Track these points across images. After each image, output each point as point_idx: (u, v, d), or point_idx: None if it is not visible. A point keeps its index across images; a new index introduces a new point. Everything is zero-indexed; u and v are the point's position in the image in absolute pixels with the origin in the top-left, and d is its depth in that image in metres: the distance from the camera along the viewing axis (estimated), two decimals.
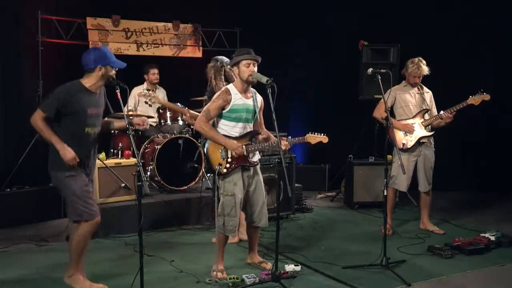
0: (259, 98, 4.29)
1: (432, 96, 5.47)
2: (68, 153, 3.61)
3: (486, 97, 5.16)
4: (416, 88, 5.42)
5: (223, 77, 5.13)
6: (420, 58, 5.33)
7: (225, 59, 5.15)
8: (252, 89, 4.24)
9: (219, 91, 4.20)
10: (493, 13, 7.17)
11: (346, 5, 7.68)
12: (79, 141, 3.70)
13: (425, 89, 5.48)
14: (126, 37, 7.15)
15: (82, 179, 3.72)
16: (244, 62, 4.08)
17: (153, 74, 6.90)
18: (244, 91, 4.17)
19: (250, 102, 4.18)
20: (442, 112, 5.23)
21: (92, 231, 3.81)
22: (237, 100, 4.12)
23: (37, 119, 3.62)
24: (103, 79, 3.74)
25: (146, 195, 5.23)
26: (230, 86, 4.19)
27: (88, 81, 3.73)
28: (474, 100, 5.16)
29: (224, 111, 4.12)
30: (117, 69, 3.79)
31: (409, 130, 5.29)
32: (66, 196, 3.75)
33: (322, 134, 4.36)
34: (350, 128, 7.20)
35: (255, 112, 4.22)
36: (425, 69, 5.30)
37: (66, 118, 3.66)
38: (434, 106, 5.44)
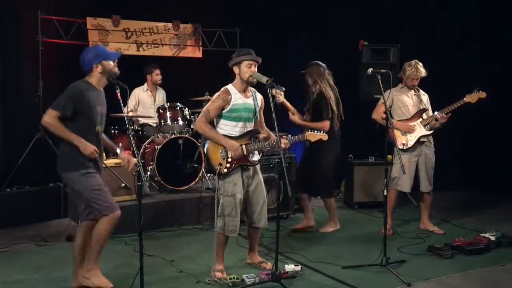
0: (259, 97, 4.30)
1: (429, 99, 5.48)
2: (88, 147, 3.62)
3: (482, 94, 5.17)
4: (412, 91, 5.44)
5: (325, 81, 5.26)
6: (417, 61, 5.34)
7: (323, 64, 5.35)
8: (252, 88, 4.25)
9: (219, 92, 4.20)
10: (493, 13, 7.17)
11: (346, 5, 7.68)
12: (91, 139, 3.70)
13: (421, 91, 5.49)
14: (126, 37, 7.16)
15: (97, 176, 3.74)
16: (245, 62, 4.09)
17: (157, 74, 6.91)
18: (243, 91, 4.18)
19: (250, 101, 4.18)
20: (436, 112, 5.24)
21: (113, 226, 3.75)
22: (237, 99, 4.12)
23: (50, 118, 3.59)
24: (105, 75, 3.74)
25: (146, 195, 5.26)
26: (229, 86, 4.19)
27: (93, 80, 3.76)
28: (471, 98, 5.17)
29: (224, 111, 4.12)
30: (116, 61, 3.77)
31: (409, 130, 5.30)
32: (85, 194, 3.65)
33: (322, 132, 4.36)
34: (350, 128, 7.20)
35: (255, 111, 4.22)
36: (423, 71, 5.31)
37: (78, 117, 3.65)
38: (430, 108, 5.45)
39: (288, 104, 5.35)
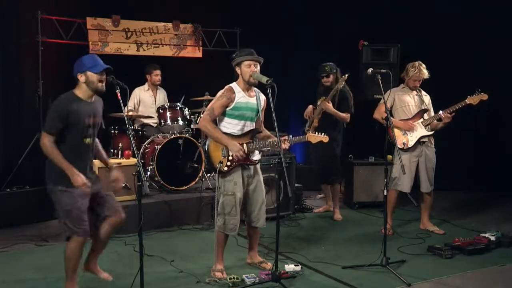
0: (262, 98, 4.30)
1: (430, 100, 5.48)
2: (79, 179, 3.53)
3: (484, 96, 5.16)
4: (414, 91, 5.44)
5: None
6: (420, 62, 5.34)
7: None
8: (255, 88, 4.25)
9: (223, 90, 4.20)
10: (494, 12, 7.17)
11: (346, 5, 7.68)
12: (78, 153, 3.66)
13: (423, 92, 5.49)
14: (126, 37, 7.16)
15: (74, 195, 3.60)
16: (246, 62, 4.10)
17: (156, 75, 6.90)
18: (247, 90, 4.19)
19: (253, 100, 4.19)
20: (441, 112, 5.23)
21: (79, 248, 3.66)
22: (241, 98, 4.13)
23: (46, 144, 3.55)
24: (89, 86, 3.65)
25: (146, 195, 5.26)
26: (233, 85, 4.20)
27: (79, 91, 3.68)
28: (472, 99, 5.16)
29: (227, 109, 4.14)
30: (103, 75, 3.67)
31: (410, 129, 5.29)
32: (57, 210, 3.66)
33: (323, 134, 4.36)
34: (350, 128, 7.20)
35: (258, 111, 4.23)
36: (426, 73, 5.31)
37: (66, 130, 3.60)
38: (432, 109, 5.44)
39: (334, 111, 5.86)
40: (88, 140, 3.71)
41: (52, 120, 3.56)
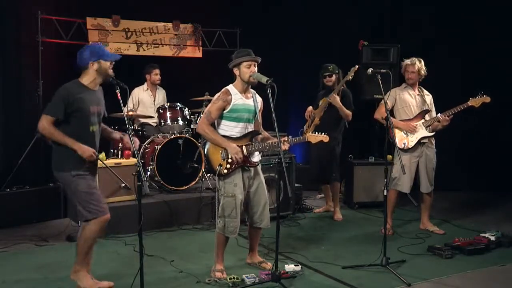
0: (259, 99, 4.31)
1: (432, 100, 5.48)
2: (86, 150, 3.62)
3: (486, 99, 5.14)
4: (416, 91, 5.43)
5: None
6: (419, 58, 5.34)
7: None
8: (252, 90, 4.25)
9: (219, 92, 4.20)
10: (494, 13, 7.17)
11: (346, 5, 7.68)
12: (85, 140, 3.69)
13: (425, 92, 5.48)
14: (126, 37, 7.16)
15: (90, 178, 3.73)
16: (244, 63, 4.09)
17: (156, 74, 6.90)
18: (244, 91, 4.18)
19: (250, 102, 4.19)
20: (439, 114, 5.23)
21: (101, 229, 3.78)
22: (238, 100, 4.13)
23: (45, 125, 3.61)
24: (100, 74, 3.72)
25: (146, 195, 5.25)
26: (230, 87, 4.20)
27: (86, 79, 3.73)
28: (475, 102, 5.14)
29: (224, 112, 4.13)
30: (113, 63, 3.75)
31: (411, 130, 5.29)
32: (76, 196, 3.70)
33: (323, 133, 4.36)
34: (350, 128, 7.21)
35: (255, 113, 4.23)
36: (418, 63, 5.31)
37: (71, 118, 3.65)
38: (433, 109, 5.44)
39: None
40: (93, 127, 3.75)
41: (56, 105, 3.62)
